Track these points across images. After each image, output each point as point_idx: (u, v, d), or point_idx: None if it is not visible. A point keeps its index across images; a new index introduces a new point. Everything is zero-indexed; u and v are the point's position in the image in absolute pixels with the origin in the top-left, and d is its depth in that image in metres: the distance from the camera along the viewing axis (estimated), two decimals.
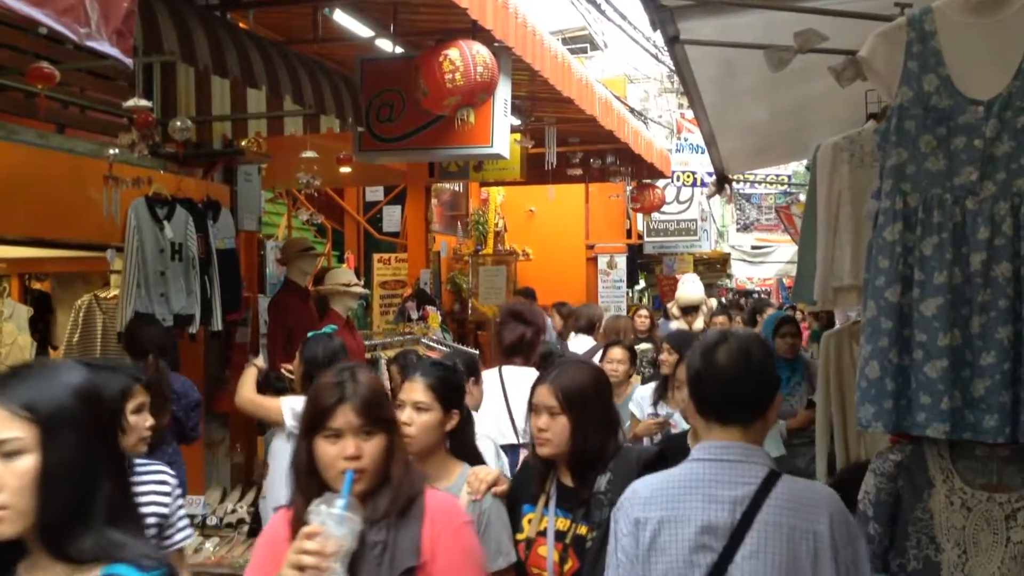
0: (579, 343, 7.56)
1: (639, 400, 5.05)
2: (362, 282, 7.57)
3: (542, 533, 2.58)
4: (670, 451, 3.35)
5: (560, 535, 2.55)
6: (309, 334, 4.95)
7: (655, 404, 4.85)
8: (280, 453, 4.28)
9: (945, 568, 2.20)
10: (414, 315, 8.87)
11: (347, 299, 6.77)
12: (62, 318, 7.25)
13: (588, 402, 2.59)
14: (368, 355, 7.08)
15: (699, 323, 9.79)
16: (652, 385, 5.06)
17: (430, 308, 9.01)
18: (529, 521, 2.63)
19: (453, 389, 2.82)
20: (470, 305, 11.43)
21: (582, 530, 2.52)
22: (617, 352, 5.62)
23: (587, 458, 2.57)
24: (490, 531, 2.54)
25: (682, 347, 4.54)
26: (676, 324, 9.41)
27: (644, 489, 2.12)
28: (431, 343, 8.11)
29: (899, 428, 2.24)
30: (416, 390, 2.73)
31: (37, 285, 8.32)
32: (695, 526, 2.01)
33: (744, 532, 1.98)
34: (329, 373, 2.15)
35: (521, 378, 4.62)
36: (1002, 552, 2.16)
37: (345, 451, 2.02)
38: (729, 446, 2.07)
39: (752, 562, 1.96)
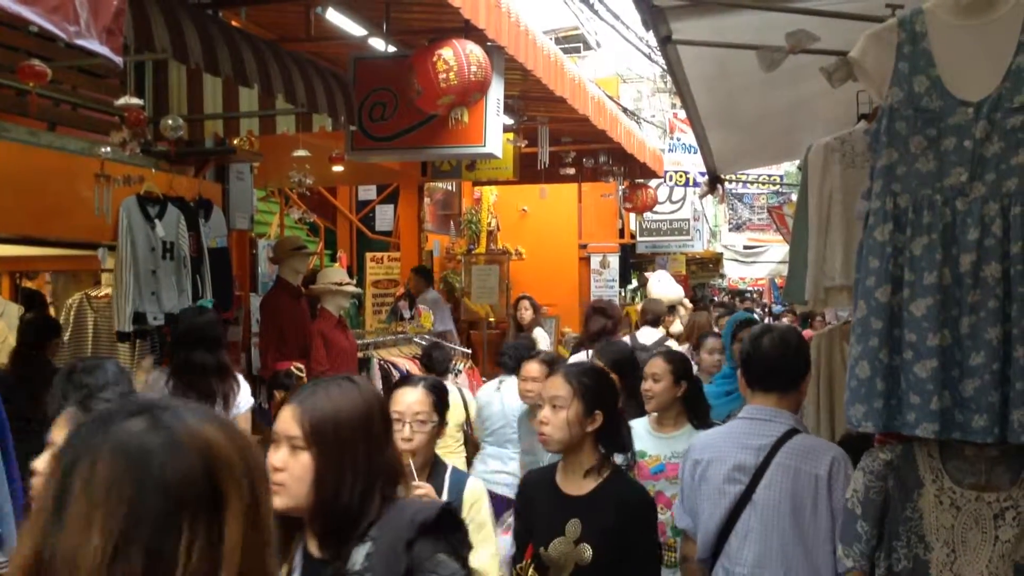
0: (646, 335, 7.61)
1: None
2: (354, 281, 7.56)
3: None
4: (530, 487, 3.01)
5: None
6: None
7: None
8: None
9: (934, 567, 2.21)
10: (407, 314, 8.87)
11: (339, 298, 6.77)
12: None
13: (346, 437, 1.85)
14: (360, 354, 7.08)
15: (676, 326, 9.05)
16: None
17: (422, 307, 9.01)
18: None
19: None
20: (463, 304, 11.43)
21: None
22: (533, 368, 4.55)
23: (340, 517, 1.84)
24: None
25: (623, 367, 4.08)
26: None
27: (701, 441, 2.99)
28: (423, 342, 8.12)
29: (889, 428, 2.25)
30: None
31: (28, 284, 8.30)
32: (729, 465, 2.77)
33: (764, 471, 2.70)
34: None
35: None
36: (990, 551, 2.17)
37: None
38: (762, 409, 2.82)
39: (767, 492, 2.69)
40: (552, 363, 4.46)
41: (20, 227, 4.99)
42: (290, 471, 1.84)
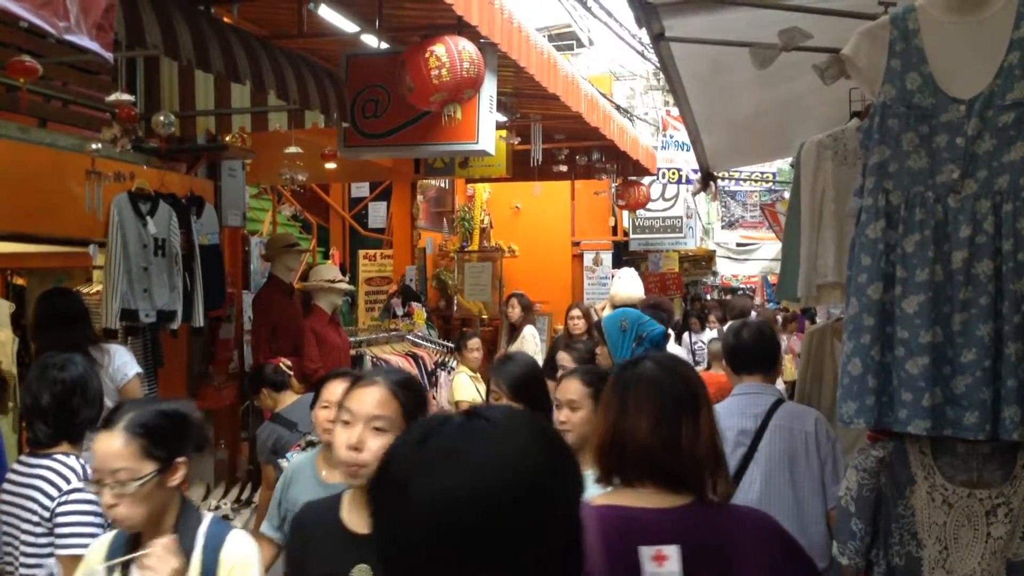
0: None
1: None
2: (347, 278, 7.55)
3: None
4: (308, 524, 2.31)
5: None
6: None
7: None
8: None
9: (927, 564, 2.22)
10: (400, 311, 8.86)
11: (332, 295, 6.76)
12: None
13: None
14: (353, 351, 7.07)
15: None
16: None
17: (416, 305, 9.00)
18: None
19: None
20: (455, 302, 11.42)
21: None
22: (339, 388, 3.09)
23: None
24: None
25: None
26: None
27: None
28: (417, 340, 8.12)
29: (881, 424, 2.25)
30: None
31: (19, 280, 8.26)
32: (735, 431, 3.27)
33: (762, 432, 3.28)
34: None
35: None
36: (982, 547, 2.17)
37: None
38: (751, 386, 3.44)
39: (768, 449, 3.24)
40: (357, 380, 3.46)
41: (10, 224, 4.97)
42: None
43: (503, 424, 1.08)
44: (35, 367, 2.96)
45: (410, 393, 2.19)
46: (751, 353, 3.46)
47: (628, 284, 9.16)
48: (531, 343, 8.31)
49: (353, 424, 2.13)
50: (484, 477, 1.02)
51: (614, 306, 9.08)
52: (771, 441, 3.26)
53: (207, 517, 2.28)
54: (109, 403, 4.43)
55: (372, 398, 2.16)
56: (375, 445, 2.07)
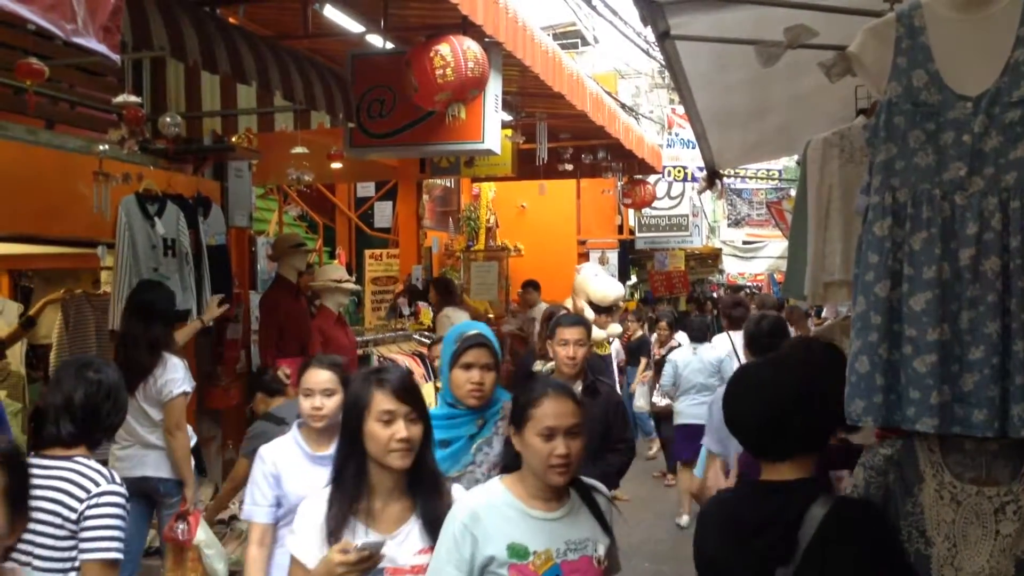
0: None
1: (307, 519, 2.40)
2: (353, 278, 7.57)
3: None
4: None
5: None
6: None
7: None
8: None
9: (935, 562, 2.21)
10: (406, 311, 8.87)
11: (338, 295, 6.77)
12: (51, 315, 7.21)
13: None
14: (360, 351, 7.08)
15: (615, 327, 8.75)
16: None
17: (422, 304, 9.01)
18: None
19: None
20: (462, 301, 11.43)
21: None
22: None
23: None
24: None
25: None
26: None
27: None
28: (423, 339, 8.12)
29: (889, 422, 2.24)
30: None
31: (27, 282, 8.29)
32: None
33: None
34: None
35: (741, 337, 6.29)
36: (991, 545, 2.17)
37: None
38: None
39: None
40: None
41: (19, 225, 5.00)
42: None
43: (792, 357, 2.47)
44: (70, 366, 2.94)
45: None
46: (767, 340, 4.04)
47: (608, 282, 9.00)
48: (444, 324, 8.04)
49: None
50: (782, 393, 2.18)
51: (593, 304, 8.79)
52: None
53: None
54: (148, 409, 4.50)
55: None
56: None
